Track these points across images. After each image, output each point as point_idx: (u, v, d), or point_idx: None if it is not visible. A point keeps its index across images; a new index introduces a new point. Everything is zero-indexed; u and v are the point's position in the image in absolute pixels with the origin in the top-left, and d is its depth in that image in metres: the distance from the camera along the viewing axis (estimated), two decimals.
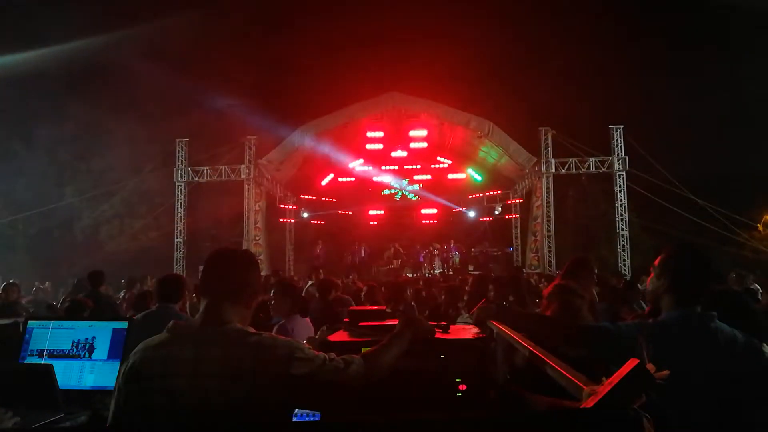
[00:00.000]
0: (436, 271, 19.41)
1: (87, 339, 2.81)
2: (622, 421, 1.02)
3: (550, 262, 17.13)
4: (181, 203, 18.33)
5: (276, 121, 19.09)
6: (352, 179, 22.24)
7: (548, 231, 17.39)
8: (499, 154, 18.89)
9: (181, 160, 18.20)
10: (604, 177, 18.24)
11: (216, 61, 26.08)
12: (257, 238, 18.25)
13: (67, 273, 15.29)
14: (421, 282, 11.43)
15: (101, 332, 2.83)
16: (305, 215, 22.16)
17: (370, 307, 3.24)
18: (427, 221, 22.78)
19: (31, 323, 2.90)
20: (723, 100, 21.04)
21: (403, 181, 22.59)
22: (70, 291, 9.89)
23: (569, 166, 17.58)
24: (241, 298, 1.85)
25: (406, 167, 22.21)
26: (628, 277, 13.82)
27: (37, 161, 20.62)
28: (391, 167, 22.15)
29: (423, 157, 21.77)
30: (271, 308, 4.34)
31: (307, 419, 2.30)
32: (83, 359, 2.77)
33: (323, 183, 22.32)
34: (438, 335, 2.24)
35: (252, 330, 1.77)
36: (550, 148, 17.39)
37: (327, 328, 3.75)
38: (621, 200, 17.33)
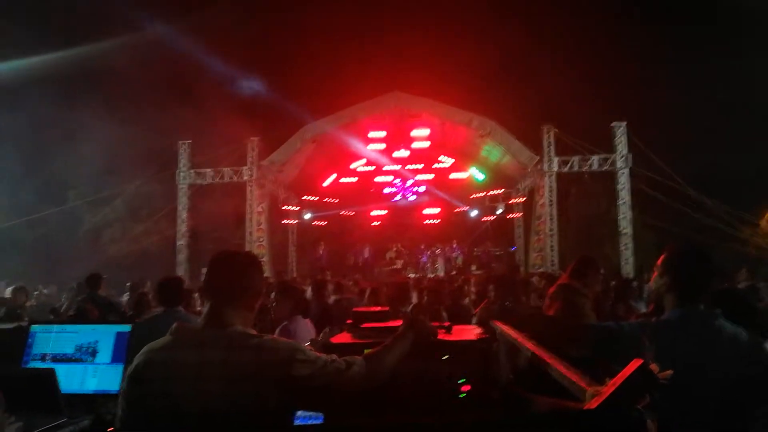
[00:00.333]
0: (439, 272, 19.38)
1: (90, 343, 2.81)
2: (626, 421, 1.01)
3: (552, 260, 17.10)
4: (183, 206, 18.36)
5: (278, 122, 19.14)
6: (355, 179, 22.25)
7: (551, 230, 17.36)
8: (501, 153, 18.87)
9: (184, 163, 18.22)
10: (606, 175, 18.19)
11: (218, 62, 26.11)
12: (260, 239, 18.27)
13: (70, 277, 15.28)
14: (425, 282, 11.41)
15: (104, 336, 2.83)
16: (308, 216, 22.16)
17: (373, 309, 3.23)
18: (430, 221, 22.77)
19: (34, 327, 2.91)
20: (726, 97, 20.99)
21: (408, 181, 22.59)
22: (70, 295, 9.92)
23: (572, 164, 17.54)
24: (243, 300, 1.85)
25: (408, 167, 22.21)
26: (631, 275, 13.81)
27: (39, 165, 20.68)
28: (394, 167, 22.16)
29: (425, 157, 21.76)
30: (273, 310, 4.35)
31: (309, 421, 2.30)
32: (86, 363, 2.77)
33: (325, 184, 22.32)
34: (441, 336, 2.23)
35: (254, 332, 1.77)
36: (552, 147, 17.35)
37: (330, 330, 3.75)
38: (624, 198, 17.28)
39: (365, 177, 22.39)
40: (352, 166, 21.85)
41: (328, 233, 22.62)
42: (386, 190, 22.94)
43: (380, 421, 1.86)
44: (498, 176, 21.48)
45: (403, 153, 21.20)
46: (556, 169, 17.38)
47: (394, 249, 21.00)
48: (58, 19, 20.42)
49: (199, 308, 6.57)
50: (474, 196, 22.43)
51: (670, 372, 1.21)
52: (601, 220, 21.34)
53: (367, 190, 22.74)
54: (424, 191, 22.71)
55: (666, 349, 1.67)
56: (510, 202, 21.55)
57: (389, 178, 22.61)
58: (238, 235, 19.21)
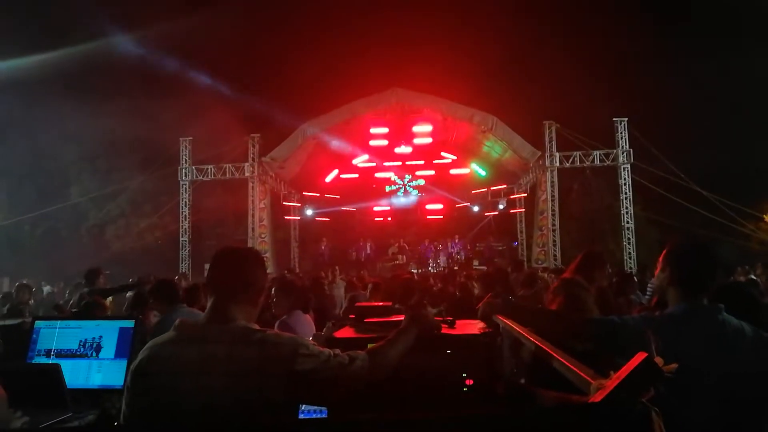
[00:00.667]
0: (441, 267, 19.38)
1: (94, 338, 2.82)
2: (631, 415, 1.01)
3: (555, 256, 17.11)
4: (185, 202, 18.39)
5: (279, 118, 19.12)
6: (356, 175, 22.24)
7: (553, 225, 17.37)
8: (503, 149, 18.85)
9: (185, 159, 18.24)
10: (608, 170, 18.18)
11: (219, 59, 26.11)
12: (262, 235, 18.29)
13: (74, 273, 15.35)
14: (431, 279, 11.44)
15: (108, 331, 2.84)
16: (309, 212, 22.17)
17: (376, 303, 3.24)
18: (432, 216, 22.76)
19: (38, 323, 2.91)
20: (728, 91, 20.95)
21: (406, 177, 22.58)
22: (71, 291, 9.96)
23: (573, 159, 17.54)
24: (247, 296, 1.86)
25: (408, 163, 22.19)
26: (634, 270, 13.81)
27: (43, 162, 20.72)
28: (395, 163, 22.14)
29: (427, 153, 21.73)
30: (273, 306, 4.36)
31: (313, 415, 2.31)
32: (90, 358, 2.78)
33: (327, 179, 22.32)
34: (444, 330, 2.24)
35: (257, 327, 1.78)
36: (554, 142, 17.35)
37: (333, 325, 3.76)
38: (626, 193, 17.28)
39: (367, 173, 22.38)
40: (354, 161, 21.84)
41: (330, 229, 22.63)
42: (390, 187, 22.94)
43: (384, 415, 1.86)
44: (500, 172, 21.45)
45: (405, 149, 21.18)
46: (557, 164, 17.38)
47: (397, 245, 21.00)
48: (58, 15, 20.40)
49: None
50: (476, 191, 22.41)
51: (675, 365, 1.21)
52: (603, 215, 21.34)
53: (368, 186, 22.73)
54: (426, 187, 22.70)
55: (670, 344, 1.67)
56: (512, 197, 21.53)
57: (390, 174, 22.61)
58: (240, 231, 19.24)
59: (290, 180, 20.88)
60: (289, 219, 21.90)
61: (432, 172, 22.40)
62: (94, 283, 7.35)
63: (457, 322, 2.45)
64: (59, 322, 2.93)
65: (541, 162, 17.58)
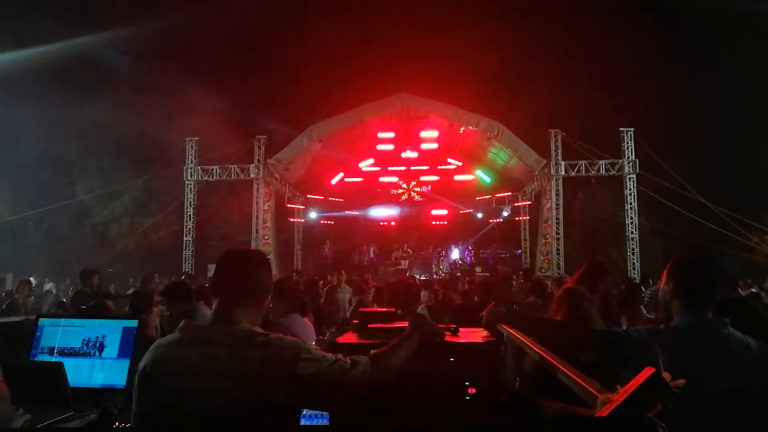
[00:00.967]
0: (444, 272, 19.37)
1: (97, 337, 2.82)
2: (638, 430, 1.01)
3: (558, 264, 17.07)
4: (190, 202, 18.42)
5: (286, 120, 19.17)
6: (360, 179, 22.27)
7: (557, 233, 17.33)
8: (509, 156, 18.85)
9: (191, 159, 18.28)
10: (614, 180, 18.15)
11: (227, 61, 26.24)
12: (266, 237, 18.30)
13: (77, 271, 15.38)
14: (436, 285, 11.41)
15: (111, 330, 2.84)
16: (314, 215, 22.18)
17: (380, 309, 3.23)
18: (437, 222, 22.77)
19: (42, 321, 2.92)
20: (734, 103, 20.91)
21: (411, 183, 22.62)
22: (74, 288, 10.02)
23: (579, 168, 17.51)
24: (251, 298, 1.85)
25: (413, 168, 22.22)
26: (637, 280, 13.77)
27: (48, 159, 20.79)
28: (400, 168, 22.17)
29: (433, 159, 21.75)
30: (269, 311, 4.35)
31: (315, 420, 2.30)
32: (93, 357, 2.78)
33: (333, 182, 22.34)
34: (447, 338, 2.23)
35: (260, 330, 1.78)
36: (559, 150, 17.32)
37: (336, 330, 3.75)
38: (631, 203, 17.24)
39: (371, 177, 22.41)
40: (360, 165, 21.87)
41: (334, 232, 22.66)
42: (395, 191, 22.97)
43: (386, 422, 1.86)
44: (505, 179, 21.47)
45: (410, 154, 21.21)
46: (563, 173, 17.35)
47: (400, 250, 21.01)
48: (67, 8, 20.51)
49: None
50: (480, 198, 22.42)
51: (682, 381, 1.20)
52: (607, 224, 21.30)
53: (373, 190, 22.76)
54: (431, 193, 22.72)
55: (675, 357, 1.66)
56: (516, 204, 21.52)
57: (395, 179, 22.64)
58: (243, 233, 19.25)
59: (295, 182, 20.91)
60: (293, 221, 21.92)
61: (437, 178, 22.43)
62: (87, 283, 7.44)
63: (461, 329, 2.44)
64: (63, 320, 2.93)
65: (546, 170, 17.56)
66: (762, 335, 2.05)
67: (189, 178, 18.32)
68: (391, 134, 19.66)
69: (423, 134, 19.69)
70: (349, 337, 2.47)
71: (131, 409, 1.74)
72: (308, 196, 22.17)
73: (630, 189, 17.25)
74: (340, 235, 22.62)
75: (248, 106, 22.67)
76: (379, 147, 20.32)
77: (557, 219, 17.32)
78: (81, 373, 2.73)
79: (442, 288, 9.45)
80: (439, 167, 22.17)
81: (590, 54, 23.76)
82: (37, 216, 20.14)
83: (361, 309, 3.49)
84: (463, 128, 17.51)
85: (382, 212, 22.80)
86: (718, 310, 2.06)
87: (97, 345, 2.80)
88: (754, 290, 9.96)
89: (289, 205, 21.10)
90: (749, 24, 19.63)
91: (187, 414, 1.63)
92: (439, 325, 2.25)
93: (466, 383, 2.08)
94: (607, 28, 23.35)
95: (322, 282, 10.77)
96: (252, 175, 18.09)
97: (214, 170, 18.34)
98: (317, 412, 2.28)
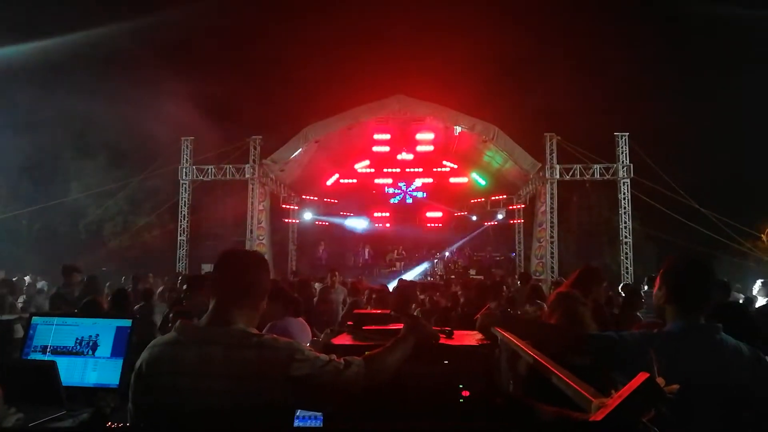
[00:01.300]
0: (438, 275, 19.40)
1: (90, 336, 2.81)
2: None
3: (552, 268, 17.10)
4: (185, 201, 18.36)
5: (282, 121, 19.14)
6: (355, 180, 22.26)
7: (551, 237, 17.36)
8: (504, 159, 18.87)
9: (186, 158, 18.23)
10: (608, 184, 18.21)
11: (223, 60, 26.20)
12: (260, 237, 18.24)
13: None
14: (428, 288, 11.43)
15: (105, 330, 2.83)
16: (309, 216, 22.15)
17: (375, 311, 3.23)
18: (432, 224, 22.78)
19: (35, 319, 2.91)
20: (729, 109, 21.03)
21: (403, 184, 22.64)
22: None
23: (573, 172, 17.55)
24: (248, 299, 1.86)
25: (408, 170, 22.23)
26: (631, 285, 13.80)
27: (43, 156, 20.70)
28: (395, 170, 22.17)
29: (428, 161, 21.76)
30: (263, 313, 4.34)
31: (309, 422, 2.30)
32: (86, 356, 2.77)
33: (328, 183, 22.32)
34: (442, 341, 2.23)
35: (255, 331, 1.78)
36: (554, 154, 17.36)
37: (331, 331, 3.75)
38: (625, 208, 17.31)
39: (367, 178, 22.41)
40: (355, 167, 21.86)
41: (329, 233, 22.63)
42: (389, 191, 22.97)
43: (380, 424, 1.86)
44: (500, 182, 21.49)
45: (406, 156, 21.20)
46: (557, 176, 17.39)
47: (395, 251, 21.02)
48: (61, 5, 20.44)
49: None
50: (475, 200, 22.45)
51: (676, 386, 1.21)
52: (601, 229, 21.38)
53: (368, 192, 22.75)
54: (426, 195, 22.74)
55: (669, 362, 1.67)
56: (511, 208, 21.56)
57: (390, 181, 22.65)
58: (238, 233, 19.20)
59: (290, 183, 20.87)
60: (288, 222, 21.88)
61: (431, 180, 22.45)
62: (69, 281, 7.45)
63: (456, 332, 2.44)
64: (56, 318, 2.92)
65: (541, 174, 17.60)
66: (754, 341, 2.07)
67: (184, 177, 18.26)
68: (387, 136, 19.64)
69: (419, 136, 19.67)
70: (344, 339, 2.47)
71: (125, 408, 1.75)
72: (303, 197, 22.14)
73: (624, 193, 17.32)
74: (335, 236, 22.61)
75: (244, 106, 22.68)
76: (375, 149, 20.28)
77: (552, 222, 17.35)
78: (74, 372, 2.72)
79: (428, 292, 9.48)
80: (435, 170, 22.18)
81: (586, 58, 23.88)
82: (30, 214, 20.02)
83: (355, 311, 3.48)
84: (459, 128, 17.50)
85: (378, 214, 22.76)
86: (710, 315, 2.08)
87: (91, 344, 2.79)
88: (741, 295, 9.96)
89: (284, 206, 21.06)
90: (745, 30, 19.77)
91: (183, 414, 1.63)
92: (434, 328, 2.25)
93: (460, 386, 2.09)
94: (604, 33, 23.46)
95: (316, 283, 10.75)
96: (247, 175, 18.04)
97: (209, 170, 18.29)
98: (311, 413, 2.29)
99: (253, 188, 18.11)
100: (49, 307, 7.26)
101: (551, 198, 17.35)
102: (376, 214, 22.74)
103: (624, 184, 17.31)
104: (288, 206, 21.36)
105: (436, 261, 20.65)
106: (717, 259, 16.28)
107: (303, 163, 19.79)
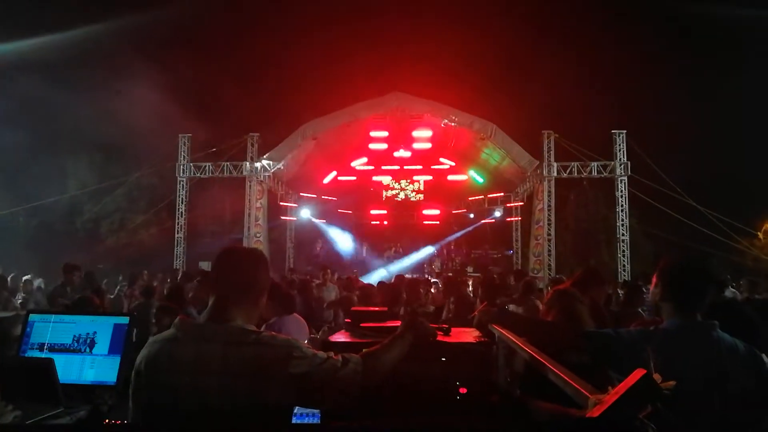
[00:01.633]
0: (436, 272, 19.40)
1: (88, 334, 2.80)
2: (629, 431, 1.02)
3: (550, 265, 17.12)
4: (182, 199, 18.32)
5: (279, 118, 19.11)
6: (354, 178, 22.23)
7: (548, 234, 17.37)
8: (502, 157, 18.87)
9: (184, 156, 18.19)
10: (605, 182, 18.23)
11: (221, 59, 26.15)
12: (258, 235, 18.22)
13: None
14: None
15: (102, 327, 2.82)
16: (306, 213, 22.13)
17: (372, 308, 3.23)
18: (429, 222, 22.78)
19: (32, 316, 2.90)
20: (726, 107, 21.07)
21: (403, 182, 22.60)
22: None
23: (571, 170, 17.56)
24: (248, 296, 1.85)
25: (406, 167, 22.20)
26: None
27: (39, 153, 20.62)
28: (393, 167, 22.14)
29: (426, 158, 21.74)
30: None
31: (307, 419, 2.30)
32: (84, 354, 2.77)
33: (325, 181, 22.29)
34: (439, 338, 2.24)
35: (253, 329, 1.77)
36: (552, 152, 17.36)
37: (328, 329, 3.76)
38: (622, 205, 17.31)
39: (365, 175, 22.38)
40: (353, 164, 21.83)
41: (327, 231, 22.63)
42: (386, 193, 22.95)
43: (377, 421, 1.86)
44: (497, 179, 21.49)
45: (404, 153, 21.17)
46: (555, 174, 17.39)
47: (393, 249, 21.03)
48: (61, 2, 20.37)
49: None
50: (473, 198, 22.46)
51: (673, 383, 1.21)
52: (598, 226, 21.42)
53: (366, 189, 22.73)
54: (423, 192, 22.72)
55: (665, 359, 1.68)
56: (508, 205, 21.57)
57: (388, 179, 22.62)
58: (236, 230, 19.18)
59: (288, 180, 20.84)
60: (286, 219, 21.86)
61: (430, 177, 22.43)
62: (69, 278, 7.47)
63: (453, 329, 2.45)
64: (53, 316, 2.91)
65: (538, 171, 17.60)
66: (749, 339, 2.07)
67: (181, 174, 18.22)
68: (385, 133, 19.58)
69: (416, 133, 19.63)
70: (342, 336, 2.47)
71: (123, 405, 1.75)
72: (301, 194, 22.11)
73: (621, 191, 17.32)
74: (333, 234, 22.61)
75: (242, 103, 22.64)
76: (372, 146, 20.23)
77: (549, 220, 17.36)
78: (71, 370, 2.71)
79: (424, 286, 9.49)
80: (433, 167, 22.16)
81: (584, 56, 23.88)
82: (27, 211, 19.96)
83: (353, 308, 3.49)
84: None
85: (375, 211, 22.74)
86: (706, 313, 2.09)
87: (88, 341, 2.78)
88: (731, 289, 9.96)
89: (281, 204, 21.03)
90: (742, 29, 19.78)
91: (181, 411, 1.63)
92: (432, 325, 2.25)
93: (458, 383, 2.09)
94: (601, 31, 23.46)
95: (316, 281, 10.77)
96: (245, 173, 18.01)
97: (207, 167, 18.26)
98: (309, 411, 2.29)
99: (250, 186, 18.08)
100: (48, 305, 7.24)
101: (549, 195, 17.36)
102: (373, 212, 22.72)
103: (621, 182, 17.31)
104: (286, 204, 21.33)
105: (434, 258, 20.68)
106: (714, 257, 16.32)
107: (301, 161, 19.76)
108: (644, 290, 6.72)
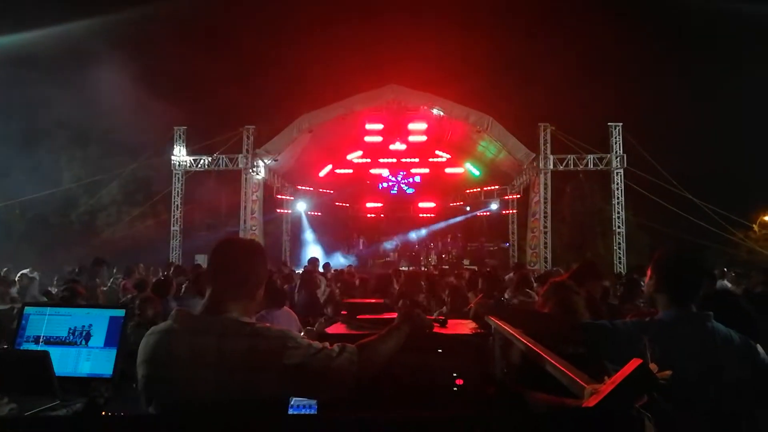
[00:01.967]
0: (432, 264, 19.42)
1: (84, 326, 2.78)
2: (625, 420, 1.02)
3: (546, 258, 17.16)
4: (178, 191, 18.26)
5: (275, 110, 19.04)
6: (350, 171, 22.20)
7: (545, 227, 17.41)
8: (498, 149, 18.86)
9: (179, 148, 18.12)
10: (601, 174, 18.26)
11: (217, 51, 26.02)
12: (254, 228, 18.19)
13: (63, 260, 15.23)
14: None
15: (98, 319, 2.81)
16: (302, 206, 22.10)
17: (368, 300, 3.24)
18: (425, 215, 22.79)
19: (27, 309, 2.88)
20: (722, 100, 21.13)
21: (399, 175, 22.61)
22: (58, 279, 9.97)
23: (567, 162, 17.57)
24: (244, 288, 1.84)
25: (403, 160, 22.18)
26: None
27: (35, 146, 20.53)
28: (389, 160, 22.11)
29: (422, 151, 21.71)
30: None
31: (303, 410, 2.31)
32: (80, 346, 2.75)
33: (321, 174, 22.26)
34: (436, 329, 2.24)
35: (248, 320, 1.77)
36: (548, 144, 17.37)
37: (325, 321, 3.75)
38: (618, 198, 17.36)
39: (361, 168, 22.35)
40: (349, 157, 21.79)
41: (323, 224, 22.61)
42: (382, 185, 22.95)
43: (375, 412, 1.86)
44: (494, 172, 21.50)
45: (399, 146, 21.13)
46: (551, 167, 17.40)
47: (389, 241, 21.05)
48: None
49: None
50: (469, 191, 22.47)
51: (669, 372, 1.21)
52: (594, 219, 21.47)
53: (362, 182, 22.71)
54: (420, 185, 22.72)
55: (661, 349, 1.68)
56: (505, 198, 21.59)
57: (385, 171, 22.60)
58: (231, 223, 19.14)
59: (284, 173, 20.80)
60: (282, 212, 21.83)
61: (426, 170, 22.42)
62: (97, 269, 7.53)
63: (449, 321, 2.45)
64: (49, 308, 2.89)
65: (535, 164, 17.61)
66: (743, 329, 2.08)
67: (177, 167, 18.16)
68: (380, 126, 19.54)
69: (411, 126, 19.59)
70: (338, 328, 2.47)
71: (119, 397, 1.74)
72: (298, 187, 22.08)
73: (617, 184, 17.36)
74: (329, 226, 22.60)
75: (238, 95, 22.55)
76: (367, 138, 20.18)
77: (545, 213, 17.39)
78: (67, 362, 2.69)
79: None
80: (430, 160, 22.14)
81: (580, 49, 23.86)
82: (22, 204, 19.88)
83: (345, 300, 3.49)
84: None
85: (371, 204, 22.75)
86: (701, 304, 2.10)
87: (84, 334, 2.77)
88: (725, 281, 9.97)
89: (278, 196, 20.99)
90: (738, 23, 19.79)
91: (177, 401, 1.63)
92: (428, 317, 2.25)
93: (454, 374, 2.09)
94: (598, 25, 23.43)
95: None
96: (240, 165, 17.96)
97: (203, 160, 18.20)
98: (305, 402, 2.29)
99: (246, 178, 18.04)
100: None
101: (545, 188, 17.38)
102: (369, 204, 22.71)
103: (617, 175, 17.35)
104: (282, 197, 21.30)
105: (431, 251, 20.70)
106: (709, 249, 16.40)
107: (297, 153, 19.71)
108: (641, 283, 6.69)
